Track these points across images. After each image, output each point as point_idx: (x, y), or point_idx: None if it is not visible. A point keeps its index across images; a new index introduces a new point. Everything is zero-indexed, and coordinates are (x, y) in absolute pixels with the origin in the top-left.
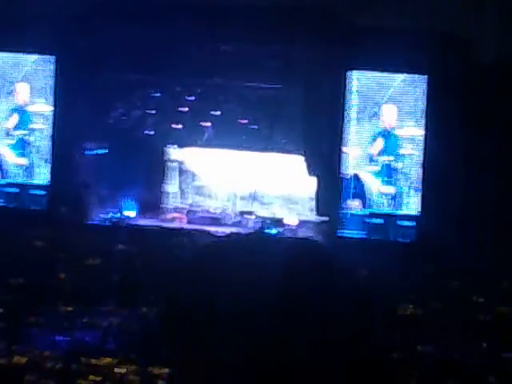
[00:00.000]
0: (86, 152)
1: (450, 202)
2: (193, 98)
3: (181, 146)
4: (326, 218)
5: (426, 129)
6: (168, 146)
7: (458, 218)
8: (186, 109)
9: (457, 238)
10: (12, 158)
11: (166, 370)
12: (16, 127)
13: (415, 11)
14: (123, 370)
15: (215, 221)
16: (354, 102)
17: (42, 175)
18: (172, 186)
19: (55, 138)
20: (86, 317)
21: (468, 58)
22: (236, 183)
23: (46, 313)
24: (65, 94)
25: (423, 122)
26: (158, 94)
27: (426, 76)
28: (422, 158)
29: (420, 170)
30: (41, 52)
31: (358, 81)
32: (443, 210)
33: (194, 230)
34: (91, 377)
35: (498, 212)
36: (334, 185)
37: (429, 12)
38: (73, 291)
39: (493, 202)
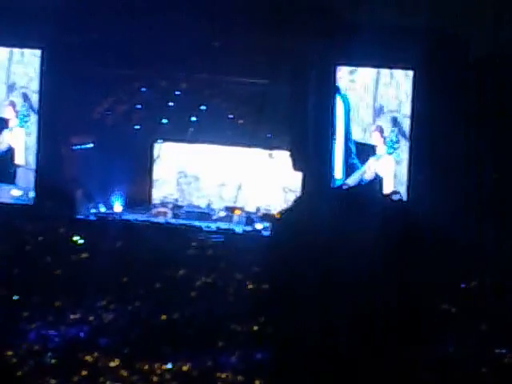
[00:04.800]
0: (73, 146)
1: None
2: (179, 92)
3: (167, 140)
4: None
5: (412, 126)
6: (154, 140)
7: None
8: (173, 104)
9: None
10: None
11: (158, 365)
12: None
13: (404, 6)
14: (116, 365)
15: (201, 215)
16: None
17: None
18: (158, 181)
19: (41, 133)
20: (76, 312)
21: (457, 53)
22: (222, 178)
23: (35, 308)
24: (51, 88)
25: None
26: (145, 89)
27: (414, 71)
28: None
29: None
30: (27, 46)
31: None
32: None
33: (180, 224)
34: (83, 372)
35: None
36: (321, 180)
37: (418, 7)
38: (62, 286)
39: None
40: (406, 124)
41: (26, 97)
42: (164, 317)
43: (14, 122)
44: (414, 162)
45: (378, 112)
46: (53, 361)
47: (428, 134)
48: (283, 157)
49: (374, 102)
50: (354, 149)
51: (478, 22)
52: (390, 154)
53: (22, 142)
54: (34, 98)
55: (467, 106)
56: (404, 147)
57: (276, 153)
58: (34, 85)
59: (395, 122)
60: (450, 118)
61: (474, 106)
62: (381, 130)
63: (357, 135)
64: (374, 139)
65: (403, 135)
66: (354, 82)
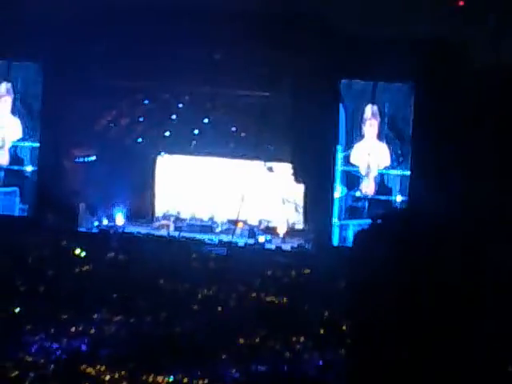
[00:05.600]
0: (76, 159)
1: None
2: (182, 105)
3: (169, 153)
4: (308, 226)
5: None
6: (157, 153)
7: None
8: (176, 116)
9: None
10: None
11: (160, 378)
12: None
13: (404, 22)
14: (117, 378)
15: (204, 228)
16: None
17: None
18: (161, 194)
19: (43, 145)
20: (78, 324)
21: (455, 65)
22: (225, 191)
23: (38, 320)
24: (53, 101)
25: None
26: (148, 102)
27: (414, 84)
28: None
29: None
30: (28, 59)
31: (348, 89)
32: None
33: (182, 237)
34: None
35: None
36: (323, 193)
37: (417, 22)
38: (64, 299)
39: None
40: (405, 127)
41: (26, 104)
42: (166, 330)
43: (18, 134)
44: (416, 173)
45: (376, 117)
46: (55, 373)
47: (429, 141)
48: (283, 169)
49: (372, 107)
50: (355, 161)
51: (478, 32)
52: (396, 167)
53: (28, 153)
54: (35, 105)
55: (468, 115)
56: (407, 158)
57: (276, 165)
58: (34, 90)
59: (393, 126)
60: (451, 126)
61: (475, 115)
62: (387, 141)
63: (359, 147)
64: (379, 151)
65: (401, 139)
66: (351, 88)
